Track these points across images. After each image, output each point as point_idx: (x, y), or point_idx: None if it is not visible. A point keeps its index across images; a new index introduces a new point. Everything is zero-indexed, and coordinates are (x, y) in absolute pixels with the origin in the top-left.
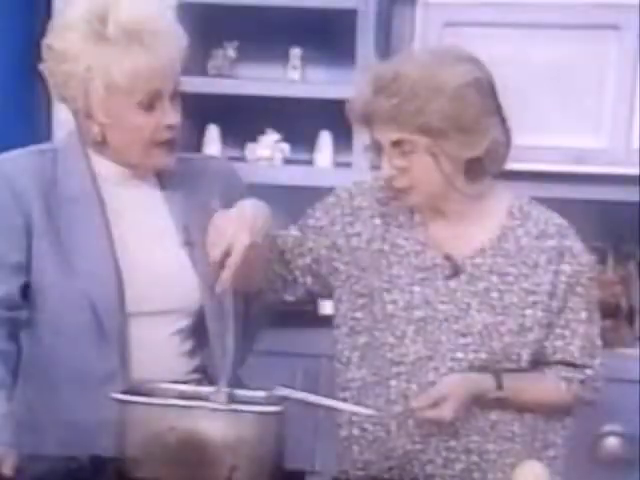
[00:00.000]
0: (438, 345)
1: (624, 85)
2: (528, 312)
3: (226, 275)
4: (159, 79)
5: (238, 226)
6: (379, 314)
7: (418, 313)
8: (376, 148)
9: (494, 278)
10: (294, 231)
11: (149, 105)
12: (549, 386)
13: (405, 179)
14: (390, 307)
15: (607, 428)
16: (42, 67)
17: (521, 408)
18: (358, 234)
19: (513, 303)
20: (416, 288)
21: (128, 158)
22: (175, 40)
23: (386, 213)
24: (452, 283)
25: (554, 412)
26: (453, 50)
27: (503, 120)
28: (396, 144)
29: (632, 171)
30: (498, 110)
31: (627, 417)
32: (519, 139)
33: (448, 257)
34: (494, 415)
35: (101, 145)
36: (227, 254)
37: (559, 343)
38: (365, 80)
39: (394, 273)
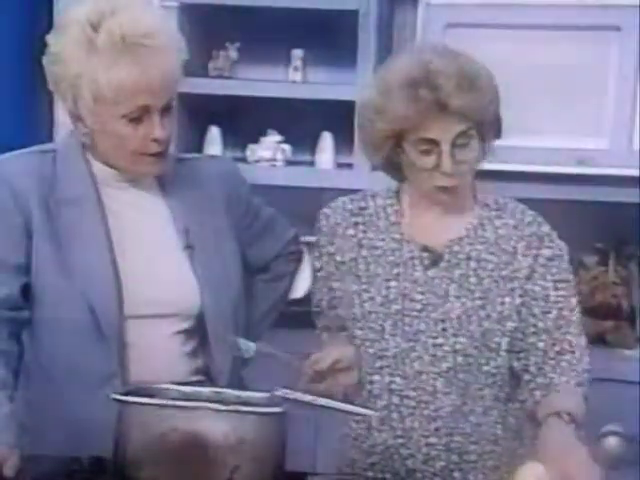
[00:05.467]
0: (418, 334)
1: (625, 86)
2: (507, 300)
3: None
4: (147, 95)
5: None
6: (358, 313)
7: (395, 307)
8: (423, 148)
9: (472, 264)
10: (318, 284)
11: (136, 118)
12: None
13: (456, 179)
14: (367, 305)
15: (607, 428)
16: (43, 61)
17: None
18: (340, 249)
19: (492, 289)
20: (392, 283)
21: (114, 163)
22: (171, 56)
23: (360, 222)
24: (430, 272)
25: None
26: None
27: None
28: (457, 137)
29: (633, 172)
30: None
31: (627, 417)
32: (520, 141)
33: (426, 248)
34: (477, 417)
35: (91, 147)
36: (319, 377)
37: (540, 324)
38: (410, 81)
39: (371, 273)
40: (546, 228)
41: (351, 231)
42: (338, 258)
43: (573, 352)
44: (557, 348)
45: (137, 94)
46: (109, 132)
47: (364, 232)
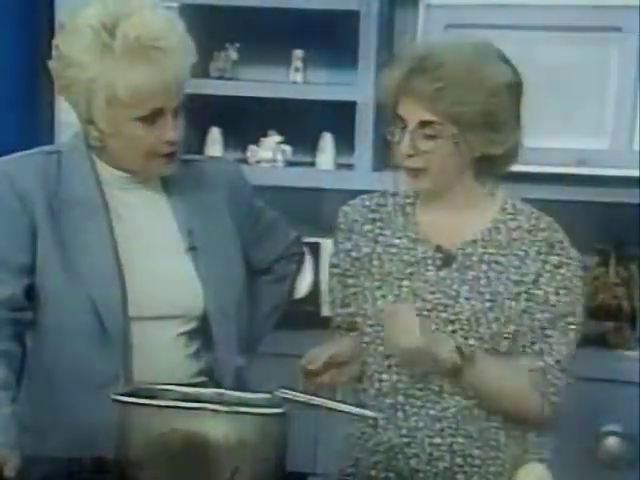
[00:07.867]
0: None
1: (626, 87)
2: (513, 304)
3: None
4: (162, 97)
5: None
6: (369, 310)
7: None
8: (398, 123)
9: (484, 266)
10: (338, 286)
11: (150, 120)
12: (512, 372)
13: (421, 160)
14: (379, 302)
15: (607, 428)
16: (50, 65)
17: (481, 389)
18: (356, 245)
19: (500, 292)
20: (405, 282)
21: (126, 165)
22: (183, 58)
23: (377, 218)
24: (442, 273)
25: (520, 407)
26: (494, 47)
27: (521, 126)
28: (423, 125)
29: (634, 173)
30: (520, 115)
31: (627, 417)
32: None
33: (439, 248)
34: (480, 422)
35: (101, 150)
36: (316, 373)
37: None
38: (407, 56)
39: (385, 271)
40: (559, 235)
41: (368, 227)
42: (354, 254)
43: (551, 354)
44: (536, 347)
45: (152, 96)
46: (122, 134)
47: (381, 229)
